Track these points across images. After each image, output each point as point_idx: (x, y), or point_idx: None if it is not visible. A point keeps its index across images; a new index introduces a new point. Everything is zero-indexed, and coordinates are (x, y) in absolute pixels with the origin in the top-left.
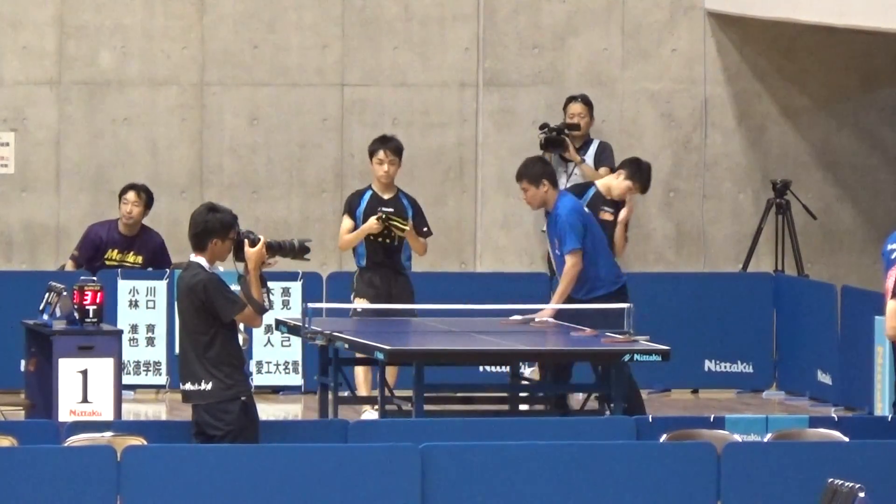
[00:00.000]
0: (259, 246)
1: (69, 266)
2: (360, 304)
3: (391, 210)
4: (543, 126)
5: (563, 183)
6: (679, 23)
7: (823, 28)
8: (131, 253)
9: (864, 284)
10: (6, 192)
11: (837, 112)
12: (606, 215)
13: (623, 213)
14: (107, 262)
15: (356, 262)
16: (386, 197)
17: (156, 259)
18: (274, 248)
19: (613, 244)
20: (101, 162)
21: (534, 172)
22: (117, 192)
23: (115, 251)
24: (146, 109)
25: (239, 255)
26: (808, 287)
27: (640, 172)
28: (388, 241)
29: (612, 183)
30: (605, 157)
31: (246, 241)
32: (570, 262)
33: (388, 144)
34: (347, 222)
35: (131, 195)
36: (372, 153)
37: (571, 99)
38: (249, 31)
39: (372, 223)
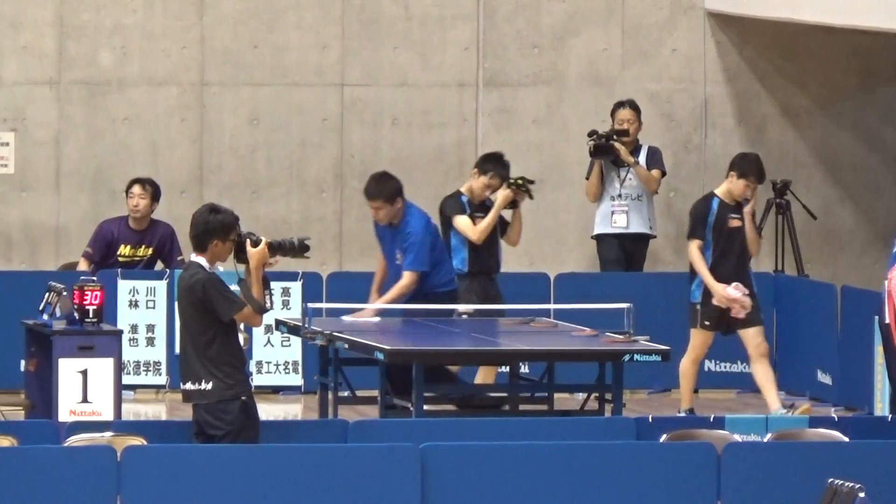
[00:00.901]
0: (261, 246)
1: (82, 264)
2: (464, 310)
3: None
4: (592, 133)
5: (617, 188)
6: (679, 23)
7: (823, 28)
8: (143, 247)
9: (864, 284)
10: (6, 192)
11: (837, 112)
12: (735, 222)
13: (748, 207)
14: (119, 258)
15: (456, 265)
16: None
17: (165, 250)
18: (275, 248)
19: (746, 248)
20: (101, 162)
21: (389, 191)
22: (117, 192)
23: (128, 247)
24: (146, 109)
25: (240, 257)
26: (808, 287)
27: (747, 164)
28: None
29: (729, 187)
30: (655, 161)
31: (248, 241)
32: (410, 280)
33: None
34: (466, 219)
35: (137, 189)
36: (484, 172)
37: (620, 105)
38: (249, 31)
39: (507, 193)
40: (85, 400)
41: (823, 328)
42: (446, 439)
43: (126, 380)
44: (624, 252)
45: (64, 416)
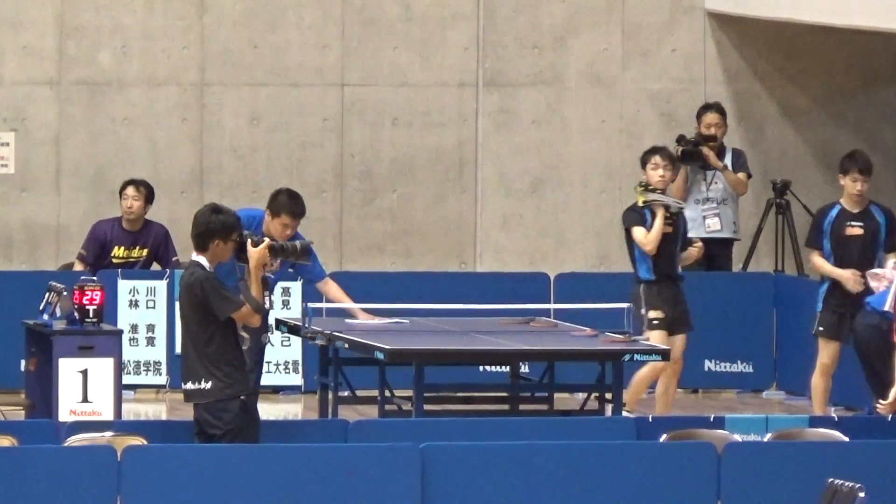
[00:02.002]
0: (262, 246)
1: (77, 266)
2: (655, 314)
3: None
4: (680, 139)
5: (704, 192)
6: (679, 23)
7: (823, 28)
8: (137, 248)
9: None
10: (6, 192)
11: (837, 112)
12: (854, 230)
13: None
14: (114, 260)
15: (641, 274)
16: (674, 201)
17: (160, 251)
18: (276, 250)
19: (865, 256)
20: (101, 162)
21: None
22: (118, 192)
23: (122, 248)
24: (146, 109)
25: (241, 257)
26: (808, 287)
27: (854, 161)
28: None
29: (847, 190)
30: (741, 164)
31: (249, 240)
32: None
33: (663, 152)
34: (641, 230)
35: (130, 190)
36: (645, 161)
37: (706, 108)
38: (249, 31)
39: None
40: (85, 400)
41: None
42: (446, 439)
43: (126, 380)
44: (707, 256)
45: (64, 416)
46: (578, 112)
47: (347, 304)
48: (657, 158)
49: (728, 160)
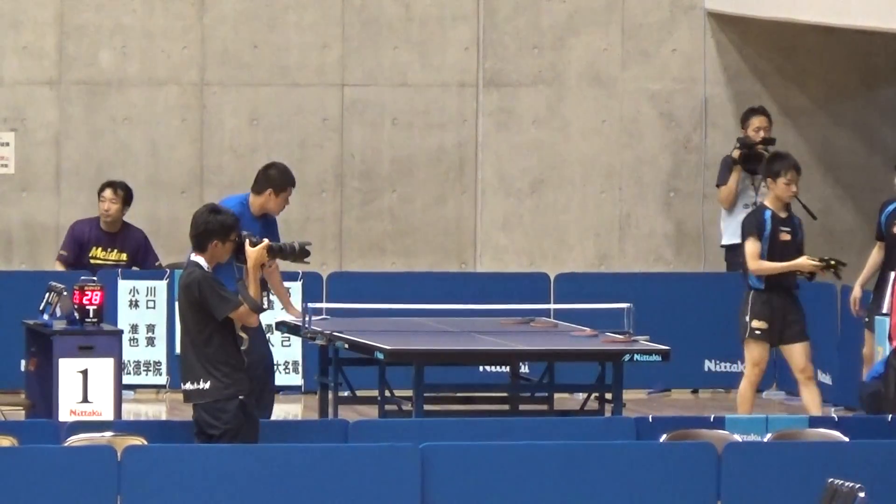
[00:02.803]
0: (260, 247)
1: (57, 266)
2: (758, 324)
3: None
4: (740, 140)
5: (752, 196)
6: (679, 23)
7: (823, 28)
8: (115, 251)
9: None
10: (6, 192)
11: (837, 112)
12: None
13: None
14: (91, 261)
15: (751, 282)
16: (783, 216)
17: (139, 255)
18: (275, 251)
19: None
20: (101, 162)
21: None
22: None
23: (99, 249)
24: (146, 109)
25: (239, 257)
26: (808, 287)
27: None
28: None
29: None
30: None
31: (247, 241)
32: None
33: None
34: (754, 246)
35: (108, 192)
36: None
37: (752, 112)
38: (249, 31)
39: (810, 265)
40: (85, 400)
41: (823, 328)
42: (446, 439)
43: (126, 380)
44: None
45: (64, 416)
46: (578, 112)
47: (280, 290)
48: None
49: None
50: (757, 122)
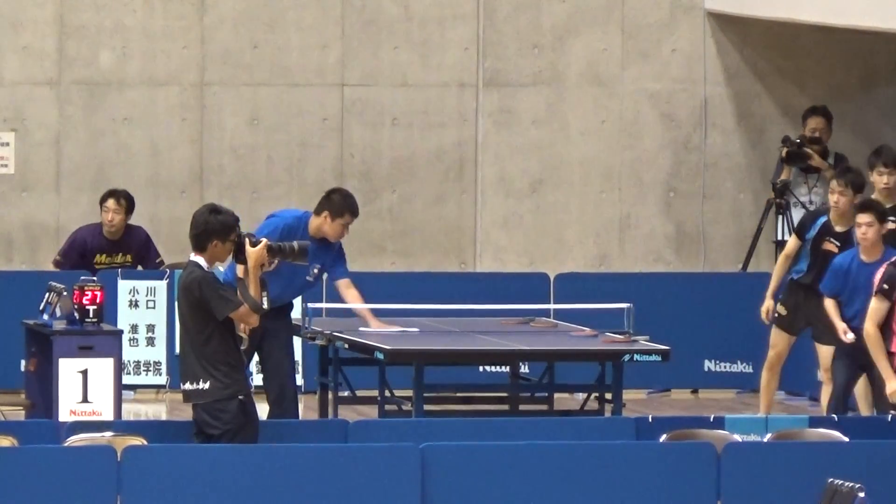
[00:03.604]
0: (260, 246)
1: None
2: (779, 309)
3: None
4: (785, 139)
5: (807, 195)
6: (679, 23)
7: (823, 28)
8: (119, 254)
9: None
10: (6, 192)
11: (837, 112)
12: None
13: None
14: (96, 266)
15: (793, 268)
16: (838, 229)
17: (141, 253)
18: (274, 251)
19: None
20: (101, 162)
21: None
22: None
23: (104, 255)
24: (146, 109)
25: (239, 257)
26: None
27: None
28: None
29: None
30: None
31: (247, 240)
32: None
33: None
34: (794, 242)
35: (111, 203)
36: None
37: (811, 111)
38: (249, 31)
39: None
40: (85, 400)
41: None
42: (446, 439)
43: (126, 380)
44: None
45: (64, 416)
46: (578, 112)
47: (360, 306)
48: (881, 166)
49: (831, 163)
50: (812, 123)
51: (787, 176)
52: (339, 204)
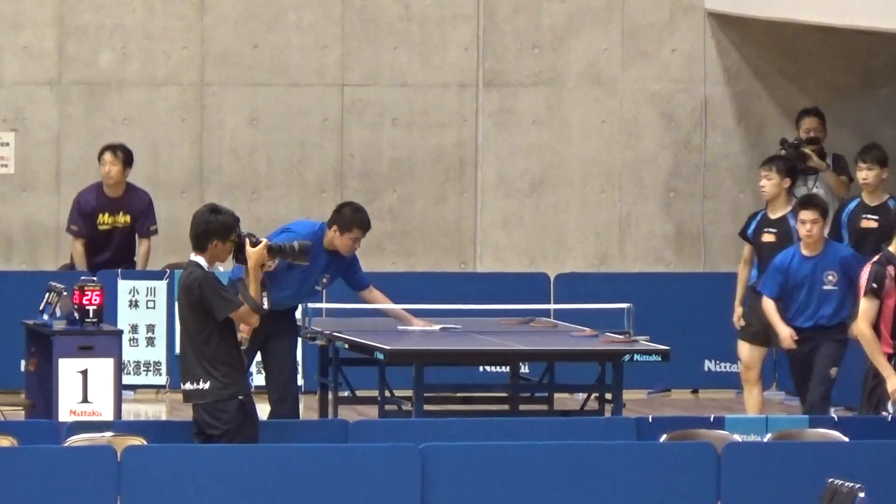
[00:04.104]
0: (260, 247)
1: (77, 246)
2: (740, 321)
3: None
4: (783, 142)
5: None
6: (679, 23)
7: (823, 28)
8: (121, 213)
9: None
10: (6, 192)
11: (837, 112)
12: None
13: None
14: (100, 227)
15: (751, 278)
16: (772, 216)
17: (141, 216)
18: (274, 251)
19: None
20: None
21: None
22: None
23: (106, 214)
24: (146, 109)
25: (239, 257)
26: None
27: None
28: None
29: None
30: (841, 167)
31: (247, 240)
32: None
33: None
34: (748, 246)
35: (108, 156)
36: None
37: (805, 112)
38: (249, 31)
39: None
40: (85, 400)
41: None
42: (446, 439)
43: (126, 380)
44: None
45: (64, 416)
46: (578, 112)
47: (393, 307)
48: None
49: (829, 164)
50: (807, 123)
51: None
52: (349, 219)
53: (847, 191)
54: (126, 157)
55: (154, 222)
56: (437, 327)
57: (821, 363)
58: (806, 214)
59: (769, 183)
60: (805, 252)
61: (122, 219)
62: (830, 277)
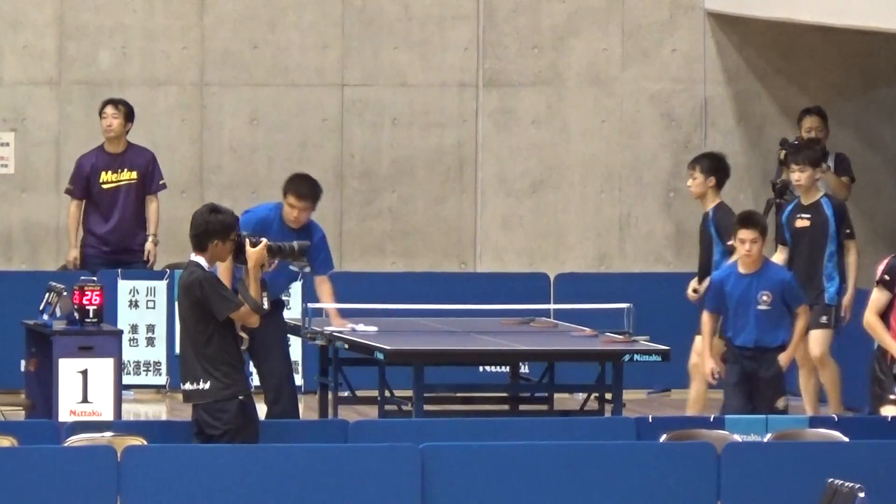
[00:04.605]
0: (260, 247)
1: (72, 204)
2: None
3: None
4: (783, 142)
5: None
6: (679, 23)
7: (823, 28)
8: (125, 170)
9: (864, 284)
10: (6, 192)
11: (837, 112)
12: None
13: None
14: (104, 186)
15: None
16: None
17: (148, 173)
18: (274, 251)
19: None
20: None
21: (318, 193)
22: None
23: (108, 172)
24: (146, 109)
25: (239, 257)
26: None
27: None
28: None
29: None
30: (843, 167)
31: (247, 241)
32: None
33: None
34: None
35: (109, 109)
36: None
37: (806, 112)
38: (249, 31)
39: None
40: (85, 400)
41: None
42: (446, 439)
43: (126, 380)
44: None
45: (64, 416)
46: (578, 112)
47: (330, 305)
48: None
49: (830, 164)
50: (808, 122)
51: (787, 177)
52: (285, 186)
53: (848, 192)
54: (128, 111)
55: (161, 177)
56: (349, 326)
57: (765, 398)
58: (745, 234)
59: (694, 182)
60: (742, 270)
61: (127, 175)
62: (765, 298)
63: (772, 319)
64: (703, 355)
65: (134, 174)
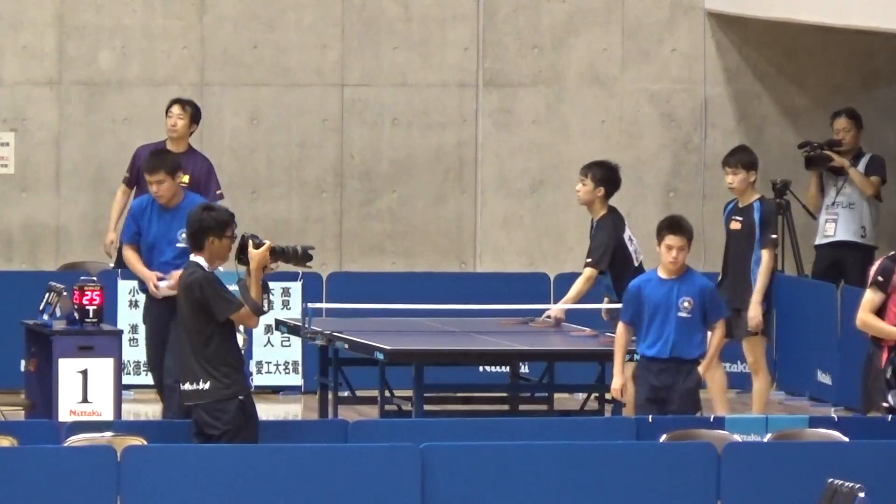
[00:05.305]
0: (263, 248)
1: (120, 190)
2: None
3: None
4: (804, 144)
5: (833, 196)
6: (679, 23)
7: (823, 28)
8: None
9: (863, 284)
10: (6, 192)
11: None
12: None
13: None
14: None
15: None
16: None
17: (203, 181)
18: (277, 253)
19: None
20: (101, 162)
21: (171, 163)
22: (116, 192)
23: None
24: (146, 109)
25: (241, 258)
26: (808, 287)
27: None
28: None
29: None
30: (875, 168)
31: (250, 242)
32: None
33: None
34: None
35: (176, 108)
36: None
37: (837, 114)
38: (249, 31)
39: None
40: (85, 400)
41: (823, 328)
42: (446, 439)
43: (126, 380)
44: (835, 261)
45: (64, 416)
46: (578, 112)
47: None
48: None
49: (863, 164)
50: (837, 124)
51: (817, 183)
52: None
53: (875, 191)
54: (194, 113)
55: (219, 186)
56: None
57: (680, 412)
58: (673, 240)
59: (583, 189)
60: (662, 275)
61: (181, 179)
62: (686, 304)
63: (690, 330)
64: (615, 371)
65: (187, 179)
